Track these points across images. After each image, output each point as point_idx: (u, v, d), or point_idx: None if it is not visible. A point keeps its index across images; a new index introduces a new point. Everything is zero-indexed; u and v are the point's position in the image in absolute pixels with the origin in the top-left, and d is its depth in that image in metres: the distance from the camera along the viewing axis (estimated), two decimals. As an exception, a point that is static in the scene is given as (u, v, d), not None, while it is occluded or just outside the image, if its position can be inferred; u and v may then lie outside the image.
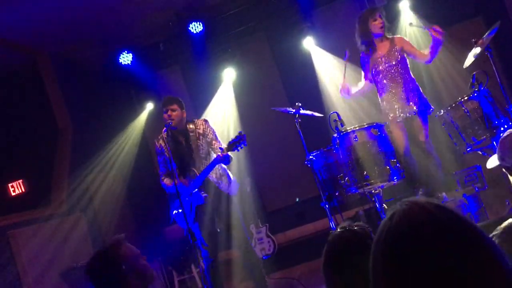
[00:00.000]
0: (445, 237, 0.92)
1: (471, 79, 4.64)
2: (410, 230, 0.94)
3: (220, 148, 4.52)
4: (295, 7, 7.07)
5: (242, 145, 4.47)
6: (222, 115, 7.26)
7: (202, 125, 4.82)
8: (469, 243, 0.92)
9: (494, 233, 1.62)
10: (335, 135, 4.48)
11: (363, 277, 1.49)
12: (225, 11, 7.29)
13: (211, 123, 4.88)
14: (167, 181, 4.75)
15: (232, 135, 6.68)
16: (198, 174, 4.61)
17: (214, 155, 4.68)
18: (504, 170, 2.69)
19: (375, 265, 0.99)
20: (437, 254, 0.90)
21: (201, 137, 4.76)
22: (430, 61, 5.08)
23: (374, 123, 4.58)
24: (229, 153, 4.49)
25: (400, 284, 0.92)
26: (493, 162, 3.51)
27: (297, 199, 7.18)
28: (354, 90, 5.14)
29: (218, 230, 4.64)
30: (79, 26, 6.61)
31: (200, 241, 4.51)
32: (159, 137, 4.88)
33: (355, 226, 1.67)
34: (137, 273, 2.41)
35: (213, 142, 4.75)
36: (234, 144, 4.46)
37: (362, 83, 5.15)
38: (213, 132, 4.83)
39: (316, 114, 4.89)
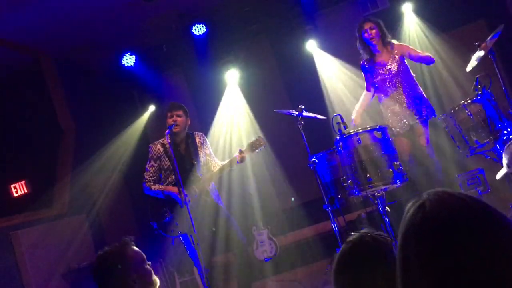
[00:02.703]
0: (480, 223, 0.94)
1: (474, 82, 4.64)
2: (448, 216, 0.95)
3: (239, 150, 4.63)
4: (297, 9, 7.06)
5: (262, 148, 4.66)
6: (232, 119, 7.22)
7: (201, 136, 4.95)
8: (501, 228, 0.94)
9: None
10: (338, 137, 4.47)
11: (385, 283, 1.45)
12: (228, 14, 7.29)
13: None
14: (157, 187, 4.77)
15: (240, 136, 6.61)
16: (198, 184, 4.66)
17: (213, 168, 4.78)
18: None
19: (407, 255, 0.97)
20: (475, 239, 0.91)
21: (202, 146, 4.81)
22: (433, 61, 5.12)
23: (377, 125, 4.57)
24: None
25: (442, 272, 0.91)
26: (502, 172, 3.52)
27: (293, 199, 7.20)
28: (364, 106, 5.31)
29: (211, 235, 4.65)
30: (83, 28, 6.62)
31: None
32: (156, 142, 4.86)
33: (376, 234, 1.60)
34: (139, 278, 2.41)
35: (211, 154, 4.90)
36: (253, 145, 4.61)
37: (369, 95, 5.27)
38: (209, 146, 4.97)
39: (319, 116, 4.88)
